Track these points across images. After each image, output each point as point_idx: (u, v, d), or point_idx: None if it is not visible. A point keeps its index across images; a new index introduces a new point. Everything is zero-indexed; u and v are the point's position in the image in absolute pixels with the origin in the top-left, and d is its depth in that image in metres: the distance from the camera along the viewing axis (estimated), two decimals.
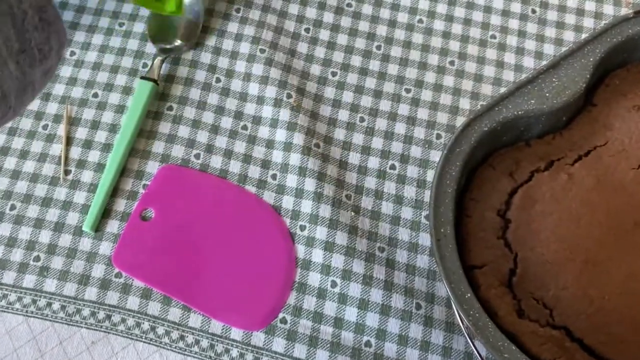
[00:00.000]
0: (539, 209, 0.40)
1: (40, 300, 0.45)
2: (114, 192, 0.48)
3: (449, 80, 0.52)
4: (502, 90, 0.52)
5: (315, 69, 0.53)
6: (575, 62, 0.42)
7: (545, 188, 0.41)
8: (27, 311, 0.45)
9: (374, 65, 0.53)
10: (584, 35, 0.54)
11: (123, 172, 0.49)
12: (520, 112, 0.41)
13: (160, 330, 0.45)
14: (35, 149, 0.49)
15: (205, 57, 0.53)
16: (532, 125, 0.42)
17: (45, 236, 0.47)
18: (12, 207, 0.48)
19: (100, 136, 0.50)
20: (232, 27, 0.54)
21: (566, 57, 0.42)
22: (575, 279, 0.38)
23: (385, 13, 0.55)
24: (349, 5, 0.56)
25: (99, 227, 0.47)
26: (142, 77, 0.50)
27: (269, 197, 0.49)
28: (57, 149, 0.49)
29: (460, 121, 0.51)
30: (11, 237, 0.47)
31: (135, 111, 0.49)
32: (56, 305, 0.45)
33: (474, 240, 0.40)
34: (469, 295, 0.36)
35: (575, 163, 0.41)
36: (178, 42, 0.52)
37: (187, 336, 0.45)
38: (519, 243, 0.40)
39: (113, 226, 0.48)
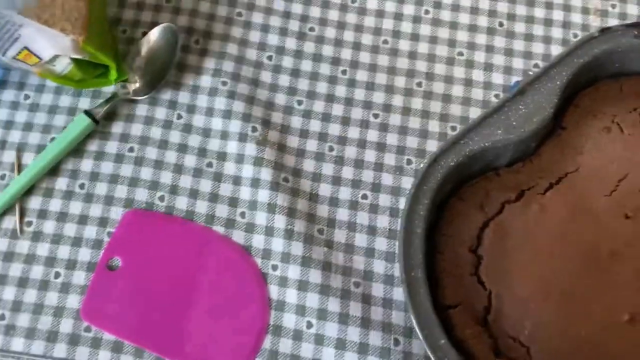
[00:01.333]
0: (511, 244, 0.39)
1: None
2: (78, 241, 0.47)
3: (417, 103, 0.51)
4: (472, 109, 0.51)
5: (280, 99, 0.52)
6: (542, 86, 0.41)
7: (517, 221, 0.40)
8: None
9: (340, 91, 0.52)
10: (553, 46, 0.53)
11: (86, 219, 0.48)
12: (487, 144, 0.39)
13: None
14: None
15: (165, 94, 0.51)
16: (501, 154, 0.41)
17: (9, 293, 0.46)
18: None
19: (61, 184, 0.49)
20: (192, 60, 0.52)
21: (532, 83, 0.41)
22: (552, 315, 0.37)
23: (349, 35, 0.54)
24: (311, 29, 0.54)
25: None
26: (86, 112, 0.49)
27: (238, 236, 0.47)
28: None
29: (430, 145, 0.50)
30: None
31: (58, 141, 0.48)
32: None
33: (447, 279, 0.39)
34: (442, 341, 0.36)
35: (547, 192, 0.40)
36: (137, 84, 0.51)
37: None
38: (492, 280, 0.39)
39: (80, 277, 0.46)
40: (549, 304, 0.37)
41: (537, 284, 0.38)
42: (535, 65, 0.52)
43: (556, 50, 0.53)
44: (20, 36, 0.44)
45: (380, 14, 0.54)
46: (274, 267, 0.46)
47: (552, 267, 0.38)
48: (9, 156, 0.49)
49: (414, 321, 0.36)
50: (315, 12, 0.54)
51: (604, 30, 0.42)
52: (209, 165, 0.49)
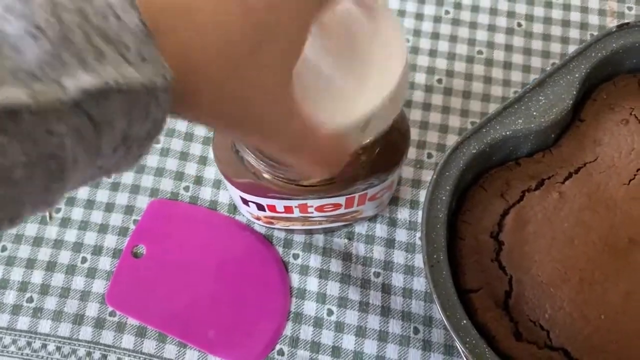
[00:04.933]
0: (531, 230, 0.40)
1: (35, 342, 0.45)
2: (105, 228, 0.48)
3: (437, 99, 0.52)
4: (491, 105, 0.52)
5: None
6: (561, 79, 0.42)
7: (537, 208, 0.40)
8: (22, 354, 0.45)
9: None
10: (570, 47, 0.54)
11: (113, 207, 0.49)
12: (508, 133, 0.40)
13: None
14: None
15: None
16: (521, 144, 0.42)
17: (37, 276, 0.47)
18: (4, 249, 0.48)
19: None
20: None
21: (551, 75, 0.42)
22: (571, 300, 0.38)
23: None
24: None
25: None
26: None
27: (260, 226, 0.48)
28: None
29: (450, 139, 0.51)
30: (3, 279, 0.47)
31: None
32: (51, 347, 0.45)
33: (468, 264, 0.40)
34: (464, 322, 0.36)
35: (566, 181, 0.41)
36: None
37: None
38: (513, 265, 0.39)
39: (105, 263, 0.47)
40: (568, 289, 0.38)
41: (556, 269, 0.38)
42: (554, 64, 0.53)
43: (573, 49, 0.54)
44: None
45: (401, 13, 0.56)
46: (295, 256, 0.47)
47: (571, 253, 0.39)
48: None
49: (436, 303, 0.36)
50: None
51: (622, 26, 0.43)
52: None
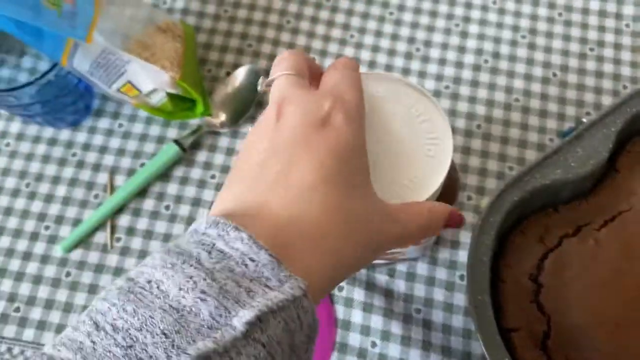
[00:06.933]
0: (569, 274, 0.42)
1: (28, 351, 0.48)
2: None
3: (476, 144, 0.55)
4: (528, 152, 0.54)
5: None
6: (597, 132, 0.44)
7: (574, 253, 0.43)
8: None
9: None
10: (604, 97, 0.57)
11: (170, 238, 0.52)
12: (547, 182, 0.43)
13: None
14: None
15: (245, 128, 0.56)
16: (559, 192, 0.44)
17: (25, 288, 0.51)
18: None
19: (149, 204, 0.53)
20: None
21: (588, 128, 0.44)
22: (606, 343, 0.40)
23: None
24: (352, 36, 0.59)
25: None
26: (175, 141, 0.54)
27: None
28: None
29: (489, 183, 0.54)
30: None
31: (149, 166, 0.54)
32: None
33: (509, 304, 0.42)
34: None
35: (602, 228, 0.43)
36: (222, 119, 0.56)
37: None
38: (551, 307, 0.42)
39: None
40: (603, 332, 0.40)
41: (592, 313, 0.41)
42: (588, 113, 0.56)
43: (606, 100, 0.57)
44: (126, 71, 0.50)
45: (442, 62, 0.59)
46: (340, 289, 0.50)
47: (607, 297, 0.41)
48: (103, 178, 0.55)
49: (481, 341, 0.39)
50: (356, 21, 0.60)
51: None
52: None
